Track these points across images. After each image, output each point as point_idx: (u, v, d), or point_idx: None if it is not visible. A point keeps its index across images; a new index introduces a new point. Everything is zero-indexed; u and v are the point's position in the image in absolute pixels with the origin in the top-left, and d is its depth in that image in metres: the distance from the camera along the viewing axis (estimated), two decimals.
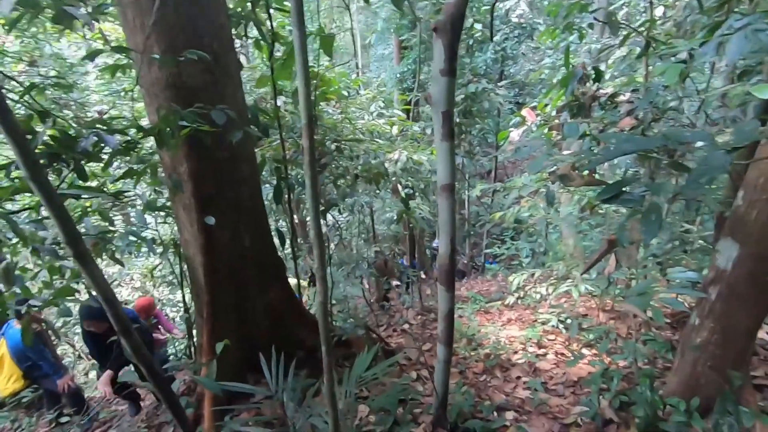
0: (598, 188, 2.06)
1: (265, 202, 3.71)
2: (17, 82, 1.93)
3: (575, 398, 3.26)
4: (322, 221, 5.46)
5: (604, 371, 3.10)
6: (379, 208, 7.95)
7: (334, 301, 5.52)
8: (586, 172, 2.17)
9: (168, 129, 2.02)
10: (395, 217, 6.75)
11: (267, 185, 4.62)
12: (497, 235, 11.86)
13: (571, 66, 3.18)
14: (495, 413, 3.12)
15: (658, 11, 4.53)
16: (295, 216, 8.33)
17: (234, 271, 3.15)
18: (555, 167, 2.22)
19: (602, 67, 5.20)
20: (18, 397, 4.37)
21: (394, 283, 6.96)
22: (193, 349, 4.55)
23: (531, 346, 4.26)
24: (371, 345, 4.11)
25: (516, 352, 4.22)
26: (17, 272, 2.19)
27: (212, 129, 2.23)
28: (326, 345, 1.44)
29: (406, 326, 5.73)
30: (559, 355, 4.03)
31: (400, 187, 4.75)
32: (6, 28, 1.90)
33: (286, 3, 3.36)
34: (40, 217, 2.16)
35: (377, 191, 5.25)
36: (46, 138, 1.72)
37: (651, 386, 2.64)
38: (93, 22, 2.27)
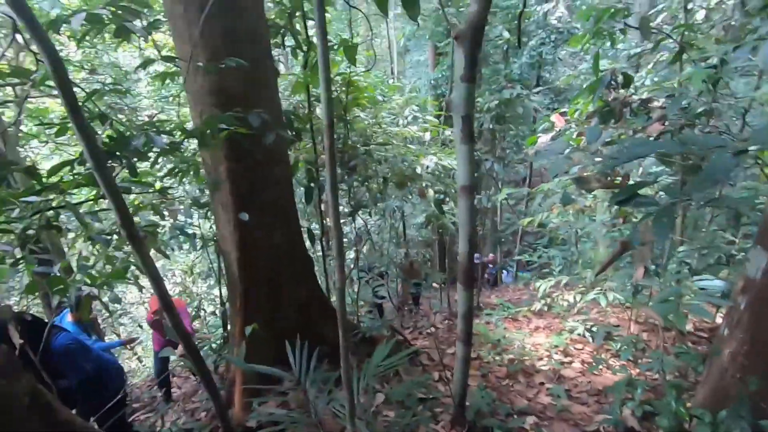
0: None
1: (298, 203, 3.91)
2: (81, 88, 2.18)
3: (599, 407, 3.22)
4: (352, 224, 5.61)
5: (629, 380, 3.04)
6: (410, 213, 8.04)
7: (362, 302, 5.66)
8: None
9: (209, 131, 2.22)
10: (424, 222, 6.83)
11: (300, 189, 4.84)
12: (530, 244, 11.64)
13: (601, 72, 3.17)
14: (515, 416, 3.13)
15: (700, 15, 4.40)
16: (326, 217, 8.55)
17: (266, 267, 3.33)
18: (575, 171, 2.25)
19: (642, 72, 5.10)
20: None
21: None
22: (225, 339, 4.81)
23: (557, 353, 4.21)
24: (395, 344, 4.22)
25: (541, 359, 4.18)
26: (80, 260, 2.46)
27: (249, 132, 2.42)
28: (343, 330, 1.55)
29: (432, 329, 5.77)
30: (585, 364, 3.97)
31: (431, 192, 4.83)
32: (75, 40, 2.16)
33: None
34: (96, 209, 2.41)
35: (408, 196, 5.35)
36: (104, 138, 1.94)
37: (678, 397, 2.58)
38: (149, 32, 2.51)
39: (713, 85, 2.40)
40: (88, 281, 2.23)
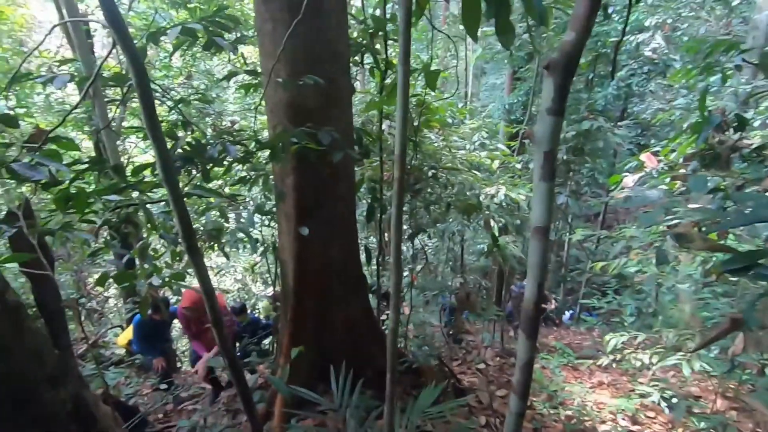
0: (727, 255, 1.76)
1: (359, 219, 3.88)
2: (168, 97, 2.31)
3: None
4: (409, 244, 5.49)
5: None
6: (470, 238, 7.77)
7: (411, 325, 5.49)
8: (713, 235, 1.88)
9: (280, 144, 2.24)
10: (485, 249, 6.54)
11: (363, 202, 4.84)
12: (598, 286, 10.76)
13: (707, 110, 2.81)
14: None
15: None
16: (385, 235, 8.53)
17: (320, 281, 3.31)
18: (675, 223, 1.96)
19: (750, 113, 4.51)
20: (133, 358, 5.13)
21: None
22: (275, 346, 4.87)
23: (623, 419, 3.75)
24: (442, 378, 3.99)
25: (604, 422, 3.74)
26: (150, 252, 2.60)
27: (318, 148, 2.41)
28: (391, 373, 1.43)
29: (481, 366, 5.44)
30: None
31: (493, 222, 4.60)
32: (170, 52, 2.31)
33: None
34: (169, 209, 2.52)
35: (469, 221, 5.15)
36: (183, 144, 2.02)
37: None
38: (236, 47, 2.62)
39: None
40: (154, 273, 2.33)
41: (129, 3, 5.99)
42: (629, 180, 3.37)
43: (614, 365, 4.89)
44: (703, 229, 1.95)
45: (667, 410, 3.63)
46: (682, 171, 3.04)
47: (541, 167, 1.98)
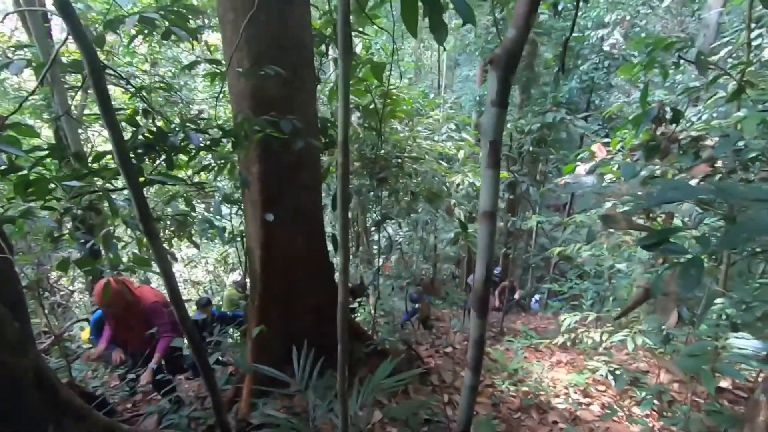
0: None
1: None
2: (131, 84, 2.32)
3: None
4: (383, 234, 5.60)
5: None
6: (441, 228, 7.97)
7: (382, 312, 5.63)
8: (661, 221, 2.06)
9: (243, 132, 2.30)
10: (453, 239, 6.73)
11: (333, 191, 4.90)
12: (564, 273, 11.20)
13: (648, 104, 3.03)
14: None
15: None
16: (357, 225, 8.64)
17: (286, 268, 3.39)
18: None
19: (700, 107, 4.80)
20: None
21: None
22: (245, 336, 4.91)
23: (575, 392, 4.01)
24: (408, 360, 4.15)
25: (558, 396, 3.99)
26: (114, 241, 2.62)
27: (281, 136, 2.48)
28: (342, 342, 1.55)
29: (449, 349, 5.65)
30: (605, 408, 3.75)
31: (457, 210, 4.77)
32: (128, 39, 2.32)
33: (367, 28, 3.61)
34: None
35: (437, 210, 5.30)
36: (144, 132, 2.06)
37: None
38: (199, 36, 2.65)
39: None
40: (115, 262, 2.36)
41: None
42: (581, 169, 3.58)
43: (570, 345, 5.17)
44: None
45: (613, 383, 3.92)
46: (628, 161, 3.27)
47: (488, 155, 2.12)
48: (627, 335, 3.67)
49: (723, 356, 2.47)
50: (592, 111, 10.88)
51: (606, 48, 7.98)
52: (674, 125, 2.86)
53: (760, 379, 2.98)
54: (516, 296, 9.09)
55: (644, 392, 3.50)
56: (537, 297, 11.46)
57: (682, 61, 3.37)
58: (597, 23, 8.20)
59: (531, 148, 6.95)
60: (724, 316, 3.00)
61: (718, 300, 2.57)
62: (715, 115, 4.66)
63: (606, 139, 3.80)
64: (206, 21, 6.95)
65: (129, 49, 6.45)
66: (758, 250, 2.42)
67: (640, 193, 2.15)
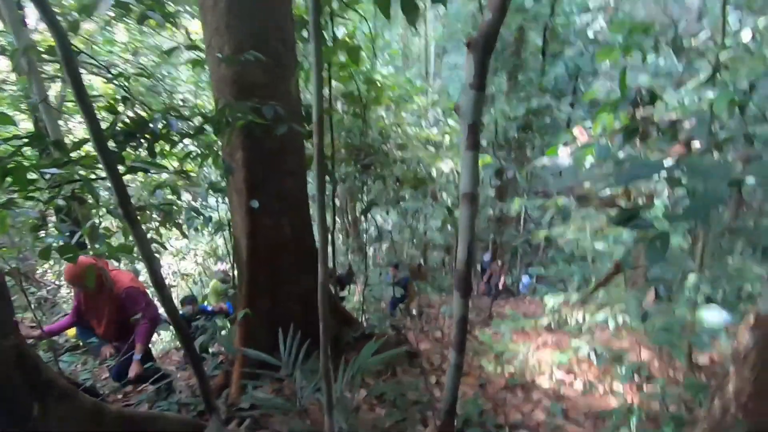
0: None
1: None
2: (110, 72, 2.31)
3: (593, 430, 3.14)
4: (372, 222, 5.63)
5: (628, 407, 2.95)
6: (430, 215, 8.03)
7: (372, 299, 5.70)
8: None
9: (225, 119, 2.30)
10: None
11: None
12: (552, 257, 11.36)
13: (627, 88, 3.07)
14: (506, 429, 3.10)
15: (747, 35, 4.18)
16: (347, 214, 8.65)
17: (273, 256, 3.41)
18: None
19: (682, 91, 4.87)
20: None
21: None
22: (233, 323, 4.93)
23: (559, 371, 4.12)
24: (396, 344, 4.22)
25: (542, 375, 4.11)
26: (101, 231, 2.62)
27: (263, 122, 2.49)
28: (323, 321, 1.58)
29: (438, 334, 5.75)
30: (587, 386, 3.87)
31: (444, 195, 4.81)
32: (102, 24, 2.30)
33: (349, 14, 3.60)
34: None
35: (424, 197, 5.35)
36: (124, 119, 2.05)
37: (675, 431, 2.49)
38: (178, 22, 2.62)
39: (741, 111, 2.28)
40: (101, 252, 2.37)
41: None
42: (563, 152, 3.64)
43: (556, 326, 5.30)
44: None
45: (595, 361, 4.04)
46: (607, 143, 3.32)
47: (467, 138, 2.16)
48: (607, 315, 3.77)
49: (697, 330, 2.56)
50: (579, 97, 10.96)
51: (590, 34, 8.02)
52: (652, 108, 2.91)
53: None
54: (500, 283, 9.23)
55: (624, 369, 3.62)
56: (525, 281, 11.63)
57: (662, 45, 3.42)
58: (581, 8, 8.23)
59: (516, 135, 7.00)
60: (700, 294, 3.10)
61: (693, 276, 2.66)
62: (697, 99, 4.75)
63: (589, 123, 3.85)
64: (187, 8, 6.82)
65: (108, 38, 6.32)
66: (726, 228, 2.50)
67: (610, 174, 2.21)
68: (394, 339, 4.42)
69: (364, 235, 7.19)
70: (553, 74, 8.63)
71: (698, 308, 2.75)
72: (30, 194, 2.29)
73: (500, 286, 9.17)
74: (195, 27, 7.38)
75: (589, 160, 3.75)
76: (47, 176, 2.23)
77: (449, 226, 5.71)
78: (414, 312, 6.43)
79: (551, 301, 4.55)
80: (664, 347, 4.06)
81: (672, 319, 2.31)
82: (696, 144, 2.85)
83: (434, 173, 4.33)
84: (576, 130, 3.76)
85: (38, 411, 1.41)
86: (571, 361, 4.20)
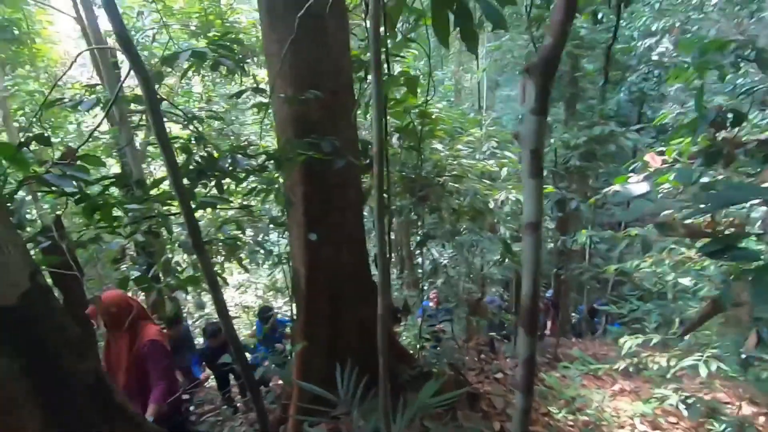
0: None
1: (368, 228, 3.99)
2: (186, 117, 2.52)
3: None
4: (428, 255, 5.53)
5: None
6: (488, 249, 7.78)
7: (427, 335, 5.51)
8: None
9: (286, 155, 2.40)
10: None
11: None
12: (624, 294, 10.48)
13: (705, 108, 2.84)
14: None
15: None
16: (401, 248, 8.60)
17: (331, 286, 3.43)
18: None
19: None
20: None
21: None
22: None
23: (642, 423, 3.67)
24: (455, 384, 4.00)
25: (622, 427, 3.67)
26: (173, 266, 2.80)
27: (322, 157, 2.57)
28: (383, 355, 1.52)
29: (499, 375, 5.40)
30: None
31: (503, 229, 4.65)
32: (179, 75, 2.53)
33: (405, 52, 3.71)
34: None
35: (480, 229, 5.19)
36: (197, 158, 2.21)
37: None
38: (246, 69, 2.83)
39: None
40: (173, 283, 2.50)
41: (152, 35, 6.44)
42: (634, 180, 3.39)
43: (636, 371, 4.77)
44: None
45: (686, 413, 3.54)
46: (676, 168, 3.05)
47: (529, 165, 2.07)
48: (698, 360, 3.33)
49: None
50: (645, 123, 10.37)
51: (655, 57, 7.64)
52: (736, 129, 2.65)
53: None
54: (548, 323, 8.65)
55: (723, 425, 3.14)
56: (596, 321, 10.80)
57: (741, 62, 3.16)
58: (644, 32, 7.91)
59: (578, 163, 6.69)
60: None
61: None
62: None
63: (661, 149, 3.59)
64: (255, 59, 7.45)
65: (186, 90, 7.03)
66: None
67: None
68: (453, 378, 4.20)
69: (419, 270, 7.08)
70: (614, 101, 8.26)
71: None
72: (114, 229, 2.51)
73: (548, 329, 8.58)
74: (262, 74, 8.02)
75: (663, 187, 3.47)
76: (129, 213, 2.43)
77: (507, 260, 5.45)
78: (473, 350, 6.12)
79: (628, 342, 4.11)
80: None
81: None
82: None
83: (491, 205, 4.21)
84: (647, 156, 3.51)
85: None
86: (657, 413, 3.73)
